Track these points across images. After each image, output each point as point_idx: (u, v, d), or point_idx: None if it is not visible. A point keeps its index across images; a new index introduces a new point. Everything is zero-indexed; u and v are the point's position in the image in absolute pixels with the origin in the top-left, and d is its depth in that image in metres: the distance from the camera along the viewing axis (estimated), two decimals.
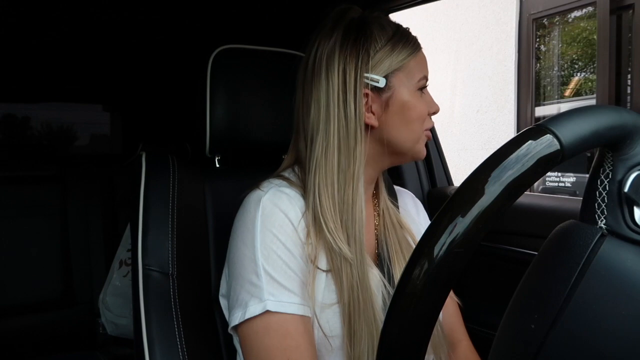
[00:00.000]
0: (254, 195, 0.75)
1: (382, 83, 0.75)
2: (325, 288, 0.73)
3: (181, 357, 0.77)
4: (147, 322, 0.79)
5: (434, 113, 0.81)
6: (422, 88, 0.79)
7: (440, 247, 0.33)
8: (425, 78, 0.79)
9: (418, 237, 0.85)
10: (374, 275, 0.77)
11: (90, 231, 2.07)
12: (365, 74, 0.74)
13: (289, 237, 0.72)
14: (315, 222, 0.73)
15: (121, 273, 1.66)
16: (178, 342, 0.79)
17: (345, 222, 0.74)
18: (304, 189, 0.77)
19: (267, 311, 0.68)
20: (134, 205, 0.86)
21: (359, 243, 0.74)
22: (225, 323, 0.82)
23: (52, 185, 2.04)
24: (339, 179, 0.74)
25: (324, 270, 0.74)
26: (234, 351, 0.82)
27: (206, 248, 0.92)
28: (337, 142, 0.74)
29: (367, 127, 0.76)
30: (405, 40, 0.77)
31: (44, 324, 1.96)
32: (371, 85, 0.74)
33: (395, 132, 0.77)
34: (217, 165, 1.00)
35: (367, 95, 0.75)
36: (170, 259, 0.84)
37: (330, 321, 0.73)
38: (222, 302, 0.81)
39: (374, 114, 0.76)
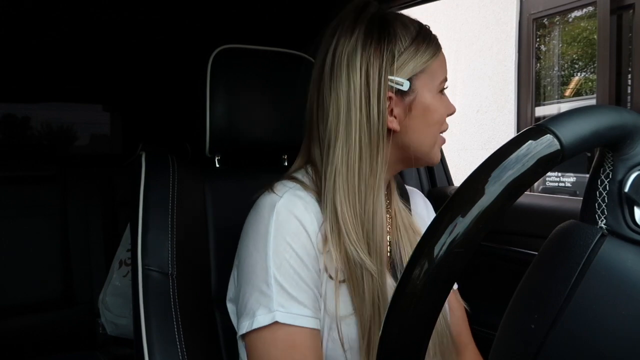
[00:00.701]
0: (268, 199, 0.72)
1: (406, 86, 0.72)
2: (341, 299, 0.71)
3: (181, 357, 0.77)
4: (147, 323, 0.79)
5: (451, 114, 0.79)
6: (442, 90, 0.76)
7: (440, 247, 0.33)
8: (446, 79, 0.77)
9: None
10: (389, 281, 0.75)
11: (90, 231, 2.07)
12: (390, 77, 0.71)
13: (303, 246, 0.69)
14: (335, 232, 0.70)
15: (121, 273, 1.66)
16: (178, 343, 0.78)
17: (367, 232, 0.71)
18: (319, 193, 0.74)
19: (276, 322, 0.67)
20: (134, 205, 0.86)
21: (379, 253, 0.71)
22: (225, 324, 0.82)
23: (52, 185, 2.04)
24: (359, 188, 0.71)
25: (340, 281, 0.71)
26: (234, 352, 0.82)
27: (206, 248, 0.92)
28: (359, 149, 0.71)
29: (389, 131, 0.73)
30: (429, 41, 0.74)
31: (44, 324, 1.96)
32: (395, 88, 0.72)
33: (415, 136, 0.74)
34: (217, 165, 1.00)
35: (390, 98, 0.72)
36: (170, 259, 0.84)
37: (347, 331, 0.70)
38: (230, 307, 0.79)
39: (395, 117, 0.73)
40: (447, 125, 0.78)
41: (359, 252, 0.69)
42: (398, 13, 0.76)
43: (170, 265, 0.83)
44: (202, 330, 0.85)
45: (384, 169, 0.72)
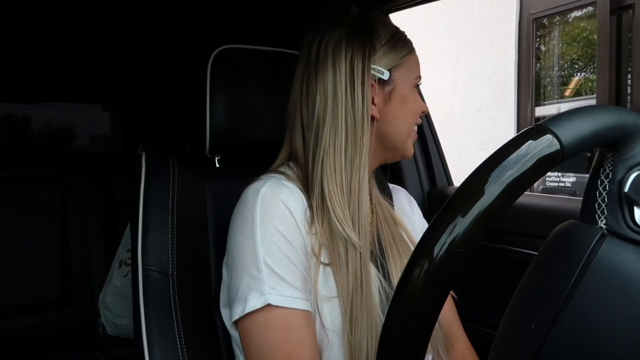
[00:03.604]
0: (252, 186, 0.76)
1: (386, 75, 0.78)
2: (324, 281, 0.73)
3: (181, 357, 0.77)
4: (147, 322, 0.79)
5: (423, 113, 0.85)
6: (417, 86, 0.83)
7: (440, 247, 0.33)
8: (420, 77, 0.83)
9: (413, 234, 0.86)
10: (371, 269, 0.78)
11: (90, 231, 2.07)
12: (372, 65, 0.76)
13: (290, 229, 0.71)
14: (320, 210, 0.74)
15: (121, 273, 1.66)
16: (178, 342, 0.78)
17: (352, 209, 0.74)
18: (302, 183, 0.77)
19: (268, 305, 0.68)
20: (134, 205, 0.86)
21: (364, 230, 0.74)
22: (225, 323, 0.82)
23: (52, 185, 2.04)
24: (346, 167, 0.75)
25: (325, 264, 0.74)
26: (234, 351, 0.82)
27: (206, 248, 0.92)
28: (345, 131, 0.75)
29: (371, 119, 0.78)
30: (405, 39, 0.82)
31: (44, 324, 1.96)
32: (376, 77, 0.77)
33: (393, 124, 0.80)
34: (217, 165, 1.00)
35: (372, 86, 0.77)
36: (170, 259, 0.84)
37: (330, 315, 0.72)
38: (224, 313, 0.79)
39: (375, 106, 0.78)
40: (420, 119, 0.85)
41: (344, 227, 0.72)
42: (378, 15, 0.83)
43: (170, 265, 0.83)
44: (202, 330, 0.85)
45: (368, 151, 0.76)
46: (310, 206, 0.75)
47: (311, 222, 0.74)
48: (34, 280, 1.95)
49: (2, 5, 1.29)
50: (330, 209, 0.73)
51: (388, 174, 1.38)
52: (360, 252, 0.73)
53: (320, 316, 0.72)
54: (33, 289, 1.95)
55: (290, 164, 0.82)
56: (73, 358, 1.96)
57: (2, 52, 1.73)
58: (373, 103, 0.78)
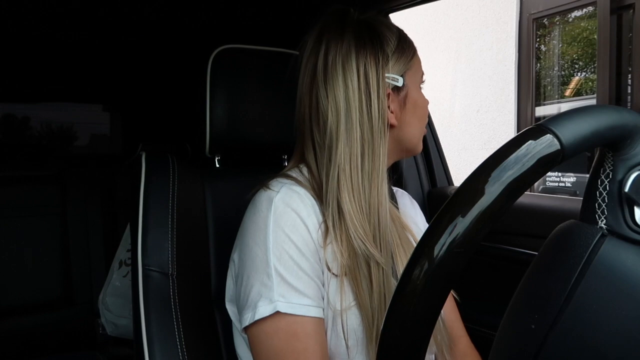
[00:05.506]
0: (265, 194, 0.73)
1: (400, 82, 0.77)
2: (342, 292, 0.72)
3: (181, 357, 0.77)
4: (147, 322, 0.79)
5: None
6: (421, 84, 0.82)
7: (440, 247, 0.33)
8: (423, 74, 0.83)
9: (417, 236, 0.85)
10: None
11: (90, 231, 2.07)
12: (387, 74, 0.75)
13: (301, 238, 0.70)
14: (339, 229, 0.71)
15: (121, 273, 1.66)
16: (178, 342, 0.78)
17: (373, 225, 0.72)
18: (314, 190, 0.75)
19: (277, 312, 0.67)
20: (134, 205, 0.86)
21: (385, 244, 0.73)
22: (225, 324, 0.82)
23: (52, 185, 2.04)
24: (364, 183, 0.73)
25: (344, 275, 0.72)
26: (234, 351, 0.82)
27: (206, 248, 0.92)
28: (361, 147, 0.73)
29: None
30: (408, 40, 0.80)
31: (44, 324, 1.96)
32: (392, 85, 0.76)
33: (409, 129, 0.79)
34: (217, 166, 1.00)
35: (388, 95, 0.75)
36: (170, 259, 0.84)
37: (348, 323, 0.71)
38: (230, 308, 0.79)
39: (392, 113, 0.77)
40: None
41: (367, 245, 0.70)
42: (378, 17, 0.81)
43: (170, 265, 0.83)
44: (202, 330, 0.85)
45: (386, 160, 0.75)
46: (324, 221, 0.73)
47: (325, 236, 0.72)
48: (33, 280, 1.96)
49: (2, 5, 1.29)
50: (351, 227, 0.71)
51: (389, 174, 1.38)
52: (383, 268, 0.71)
53: (336, 325, 0.71)
54: (33, 289, 1.95)
55: (302, 169, 0.79)
56: (73, 358, 1.96)
57: (2, 52, 1.73)
58: (391, 111, 0.76)
